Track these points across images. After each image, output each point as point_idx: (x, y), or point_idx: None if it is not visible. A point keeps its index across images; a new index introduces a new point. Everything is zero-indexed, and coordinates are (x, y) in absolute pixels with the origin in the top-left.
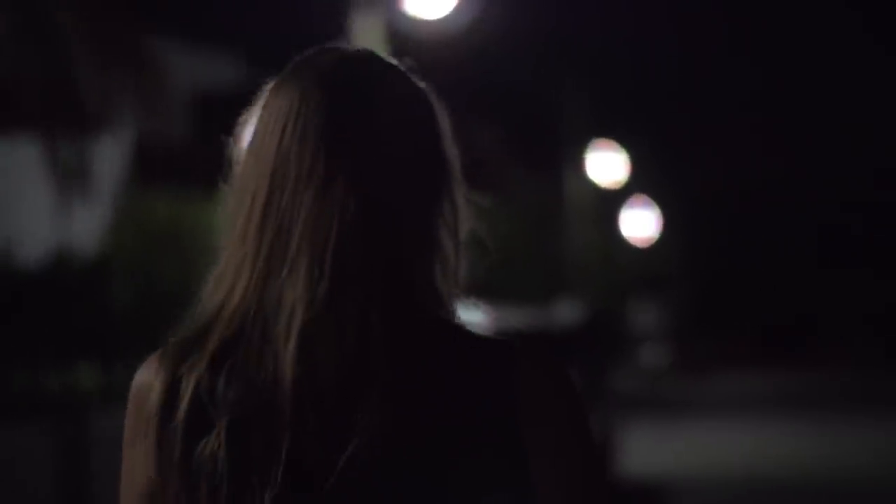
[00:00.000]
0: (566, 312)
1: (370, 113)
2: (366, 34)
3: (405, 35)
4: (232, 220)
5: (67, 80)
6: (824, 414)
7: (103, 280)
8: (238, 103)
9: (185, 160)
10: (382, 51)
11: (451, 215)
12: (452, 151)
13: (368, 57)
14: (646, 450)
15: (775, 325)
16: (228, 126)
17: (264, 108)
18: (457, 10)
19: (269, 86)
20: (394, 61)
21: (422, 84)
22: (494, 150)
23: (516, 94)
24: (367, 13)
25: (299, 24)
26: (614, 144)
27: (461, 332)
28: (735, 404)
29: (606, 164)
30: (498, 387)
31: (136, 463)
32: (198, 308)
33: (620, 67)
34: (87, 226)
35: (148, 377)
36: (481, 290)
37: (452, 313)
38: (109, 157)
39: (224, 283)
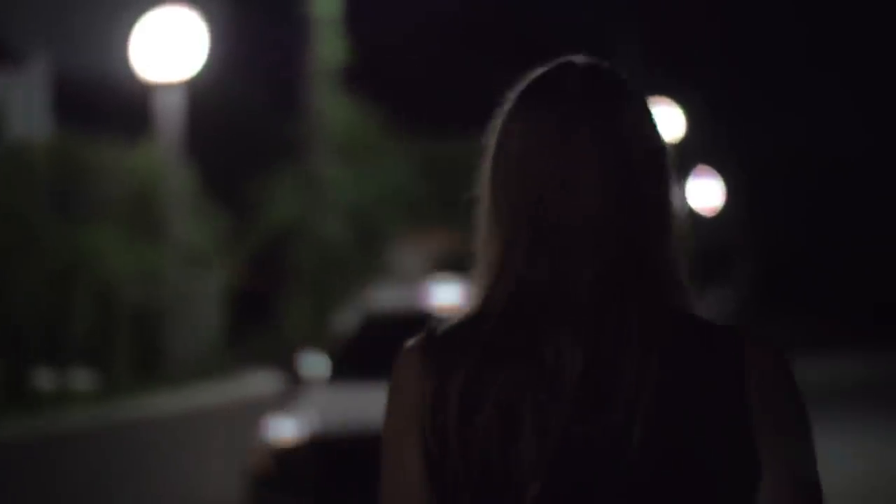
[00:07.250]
0: None
1: (608, 119)
2: None
3: None
4: (488, 214)
5: None
6: None
7: None
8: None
9: (113, 102)
10: None
11: (675, 205)
12: (668, 145)
13: (600, 67)
14: None
15: (863, 306)
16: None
17: (513, 117)
18: None
19: (514, 94)
20: (613, 67)
21: (633, 85)
22: None
23: (564, 39)
24: None
25: None
26: (671, 102)
27: (696, 321)
28: (811, 398)
29: (665, 121)
30: (730, 375)
31: (406, 454)
32: (467, 298)
33: (680, 17)
34: None
35: (413, 371)
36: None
37: (691, 301)
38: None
39: (487, 275)
